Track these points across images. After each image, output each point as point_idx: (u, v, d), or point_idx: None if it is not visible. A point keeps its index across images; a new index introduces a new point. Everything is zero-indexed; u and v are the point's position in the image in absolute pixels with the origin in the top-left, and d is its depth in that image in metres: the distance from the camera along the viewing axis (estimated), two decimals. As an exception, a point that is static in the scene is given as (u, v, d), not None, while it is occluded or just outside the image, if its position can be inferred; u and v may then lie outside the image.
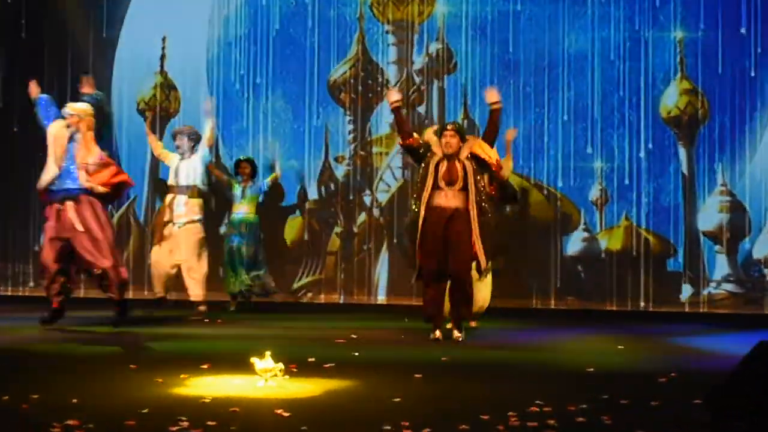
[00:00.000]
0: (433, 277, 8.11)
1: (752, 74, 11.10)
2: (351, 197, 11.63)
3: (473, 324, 9.02)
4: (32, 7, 12.04)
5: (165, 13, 11.96)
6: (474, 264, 8.15)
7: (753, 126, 11.11)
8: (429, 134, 8.33)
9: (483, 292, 9.03)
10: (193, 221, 10.06)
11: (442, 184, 8.10)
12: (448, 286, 8.23)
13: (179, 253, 10.03)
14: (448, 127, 8.23)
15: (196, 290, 10.04)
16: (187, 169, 10.11)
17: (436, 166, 8.10)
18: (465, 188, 8.09)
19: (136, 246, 11.87)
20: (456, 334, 8.20)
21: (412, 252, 8.27)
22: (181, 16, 11.92)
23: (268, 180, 10.89)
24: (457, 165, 8.10)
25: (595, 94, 11.31)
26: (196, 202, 10.12)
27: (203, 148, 10.15)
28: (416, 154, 8.34)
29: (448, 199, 8.09)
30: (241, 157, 10.94)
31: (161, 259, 10.12)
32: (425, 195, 8.08)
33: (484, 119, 11.25)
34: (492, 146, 8.36)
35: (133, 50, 12.00)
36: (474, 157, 8.15)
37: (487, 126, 8.52)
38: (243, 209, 10.69)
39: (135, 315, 9.79)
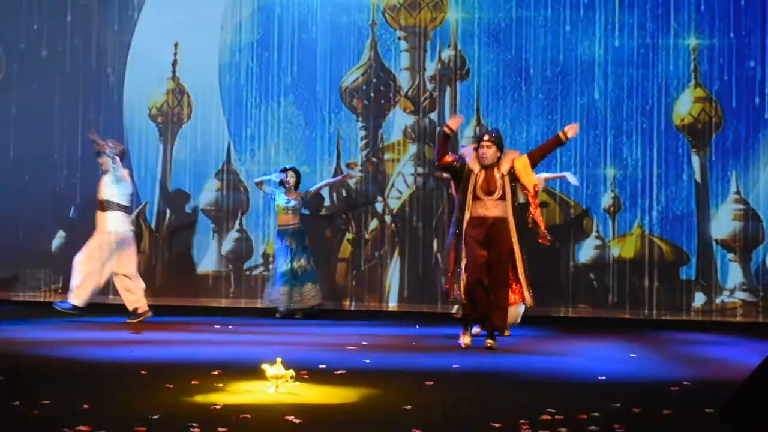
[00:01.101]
0: (476, 285, 8.15)
1: (766, 82, 11.06)
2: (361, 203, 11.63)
3: (507, 333, 9.10)
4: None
5: (177, 19, 11.98)
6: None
7: (766, 134, 11.06)
8: (467, 150, 8.46)
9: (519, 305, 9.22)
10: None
11: (480, 194, 8.20)
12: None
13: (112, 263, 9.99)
14: (485, 137, 8.31)
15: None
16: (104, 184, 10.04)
17: (475, 177, 8.22)
18: (503, 197, 8.24)
19: (148, 250, 11.88)
20: (489, 342, 8.24)
21: (452, 265, 8.28)
22: (193, 22, 11.94)
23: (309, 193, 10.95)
24: (496, 174, 8.23)
25: (608, 102, 11.28)
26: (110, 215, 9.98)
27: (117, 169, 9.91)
28: (452, 170, 8.45)
29: (488, 208, 8.21)
30: (287, 167, 10.93)
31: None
32: (466, 207, 8.20)
33: (496, 125, 11.29)
34: (533, 167, 8.42)
35: (145, 56, 12.02)
36: (513, 178, 8.27)
37: (543, 148, 8.61)
38: (289, 220, 10.72)
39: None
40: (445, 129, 8.48)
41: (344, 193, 11.65)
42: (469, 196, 8.22)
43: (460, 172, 8.32)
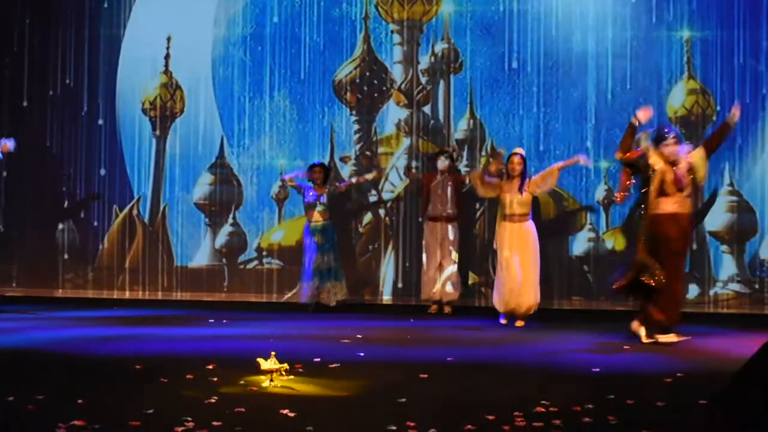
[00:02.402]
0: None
1: (759, 74, 11.07)
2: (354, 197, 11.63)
3: (520, 324, 9.44)
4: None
5: (170, 12, 11.95)
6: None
7: (759, 126, 11.08)
8: (644, 141, 8.54)
9: (533, 293, 9.54)
10: None
11: (671, 190, 8.30)
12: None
13: None
14: (669, 136, 8.38)
15: None
16: None
17: (663, 174, 8.31)
18: (689, 194, 8.46)
19: (141, 245, 11.87)
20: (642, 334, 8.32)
21: (647, 259, 8.30)
22: (185, 16, 11.91)
23: (339, 188, 10.90)
24: (683, 170, 8.34)
25: (601, 94, 11.29)
26: None
27: None
28: (635, 165, 8.51)
29: (679, 204, 8.33)
30: (315, 162, 10.87)
31: None
32: (654, 203, 8.30)
33: (489, 118, 11.31)
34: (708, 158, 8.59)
35: (137, 50, 12.00)
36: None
37: (717, 135, 8.80)
38: (318, 217, 10.66)
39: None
40: (633, 120, 8.55)
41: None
42: (656, 193, 8.27)
43: (644, 168, 8.37)
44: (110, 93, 12.00)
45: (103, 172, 11.89)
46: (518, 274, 9.54)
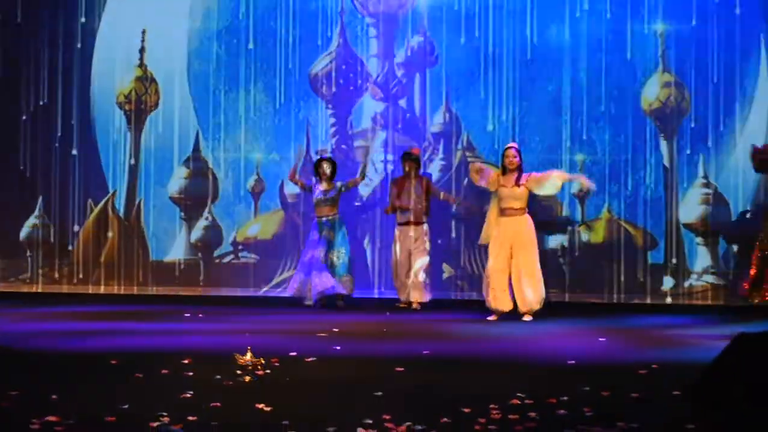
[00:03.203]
0: None
1: (733, 67, 11.13)
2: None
3: (528, 318, 9.35)
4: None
5: (145, 6, 11.90)
6: None
7: (733, 119, 11.14)
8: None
9: (539, 289, 9.42)
10: None
11: None
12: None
13: None
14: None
15: None
16: None
17: None
18: None
19: (116, 240, 11.81)
20: None
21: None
22: (161, 9, 11.86)
23: (349, 183, 10.69)
24: None
25: (577, 87, 11.32)
26: None
27: None
28: None
29: None
30: (321, 157, 10.68)
31: None
32: None
33: (464, 111, 11.34)
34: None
35: (112, 43, 11.94)
36: None
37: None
38: (327, 211, 10.50)
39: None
40: None
41: (314, 181, 11.61)
42: None
43: None
44: (85, 86, 11.92)
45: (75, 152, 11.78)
46: (509, 272, 9.43)
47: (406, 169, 10.50)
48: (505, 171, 9.51)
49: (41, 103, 11.88)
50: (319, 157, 10.72)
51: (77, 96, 11.90)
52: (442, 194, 10.78)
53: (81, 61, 11.90)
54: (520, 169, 9.50)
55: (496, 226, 9.52)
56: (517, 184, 9.44)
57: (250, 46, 11.73)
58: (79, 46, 11.90)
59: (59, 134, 11.84)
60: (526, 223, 9.50)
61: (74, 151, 11.85)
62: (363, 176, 10.74)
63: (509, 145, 9.73)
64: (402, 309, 10.41)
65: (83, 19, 11.93)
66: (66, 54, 11.91)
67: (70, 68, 11.93)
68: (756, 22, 11.14)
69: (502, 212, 9.52)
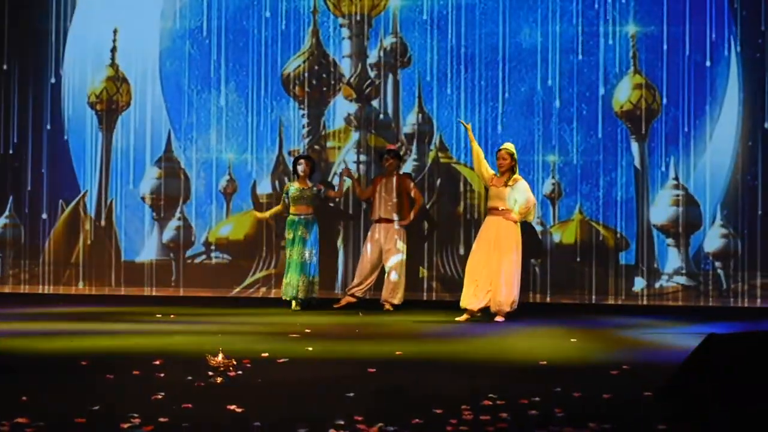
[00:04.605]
0: None
1: (704, 69, 11.21)
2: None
3: (500, 319, 9.35)
4: None
5: (116, 4, 11.83)
6: None
7: (704, 120, 11.22)
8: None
9: (513, 292, 9.39)
10: None
11: None
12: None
13: None
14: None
15: None
16: None
17: None
18: None
19: (87, 240, 11.75)
20: None
21: None
22: (133, 8, 11.80)
23: (328, 193, 10.88)
24: None
25: (548, 88, 11.36)
26: None
27: None
28: None
29: None
30: (298, 155, 10.77)
31: None
32: None
33: (439, 112, 11.34)
34: None
35: (83, 42, 11.87)
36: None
37: None
38: (303, 209, 10.57)
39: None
40: None
41: (286, 182, 11.59)
42: None
43: None
44: (56, 86, 11.84)
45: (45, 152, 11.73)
46: (485, 271, 9.42)
47: (384, 165, 10.63)
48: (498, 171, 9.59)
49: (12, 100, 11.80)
50: (295, 156, 10.73)
51: (49, 95, 11.82)
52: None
53: (53, 61, 11.82)
54: (512, 171, 9.51)
55: (483, 225, 9.62)
56: (506, 184, 9.46)
57: (223, 45, 11.69)
58: (50, 44, 11.82)
59: (30, 134, 11.76)
60: (510, 224, 9.46)
61: (45, 151, 11.78)
62: (341, 194, 11.08)
63: (502, 147, 9.67)
64: (380, 310, 10.40)
65: (54, 18, 11.85)
66: (37, 54, 11.82)
67: (42, 67, 11.85)
68: (726, 24, 11.22)
69: (488, 211, 9.61)
